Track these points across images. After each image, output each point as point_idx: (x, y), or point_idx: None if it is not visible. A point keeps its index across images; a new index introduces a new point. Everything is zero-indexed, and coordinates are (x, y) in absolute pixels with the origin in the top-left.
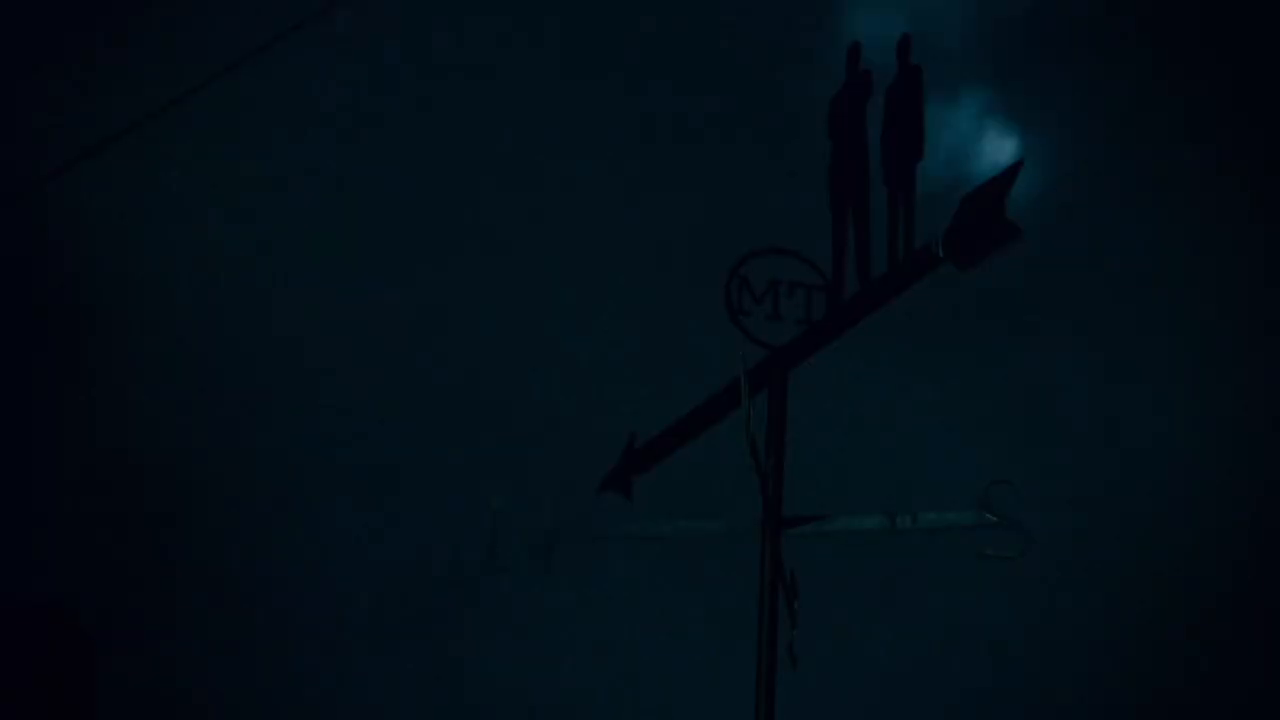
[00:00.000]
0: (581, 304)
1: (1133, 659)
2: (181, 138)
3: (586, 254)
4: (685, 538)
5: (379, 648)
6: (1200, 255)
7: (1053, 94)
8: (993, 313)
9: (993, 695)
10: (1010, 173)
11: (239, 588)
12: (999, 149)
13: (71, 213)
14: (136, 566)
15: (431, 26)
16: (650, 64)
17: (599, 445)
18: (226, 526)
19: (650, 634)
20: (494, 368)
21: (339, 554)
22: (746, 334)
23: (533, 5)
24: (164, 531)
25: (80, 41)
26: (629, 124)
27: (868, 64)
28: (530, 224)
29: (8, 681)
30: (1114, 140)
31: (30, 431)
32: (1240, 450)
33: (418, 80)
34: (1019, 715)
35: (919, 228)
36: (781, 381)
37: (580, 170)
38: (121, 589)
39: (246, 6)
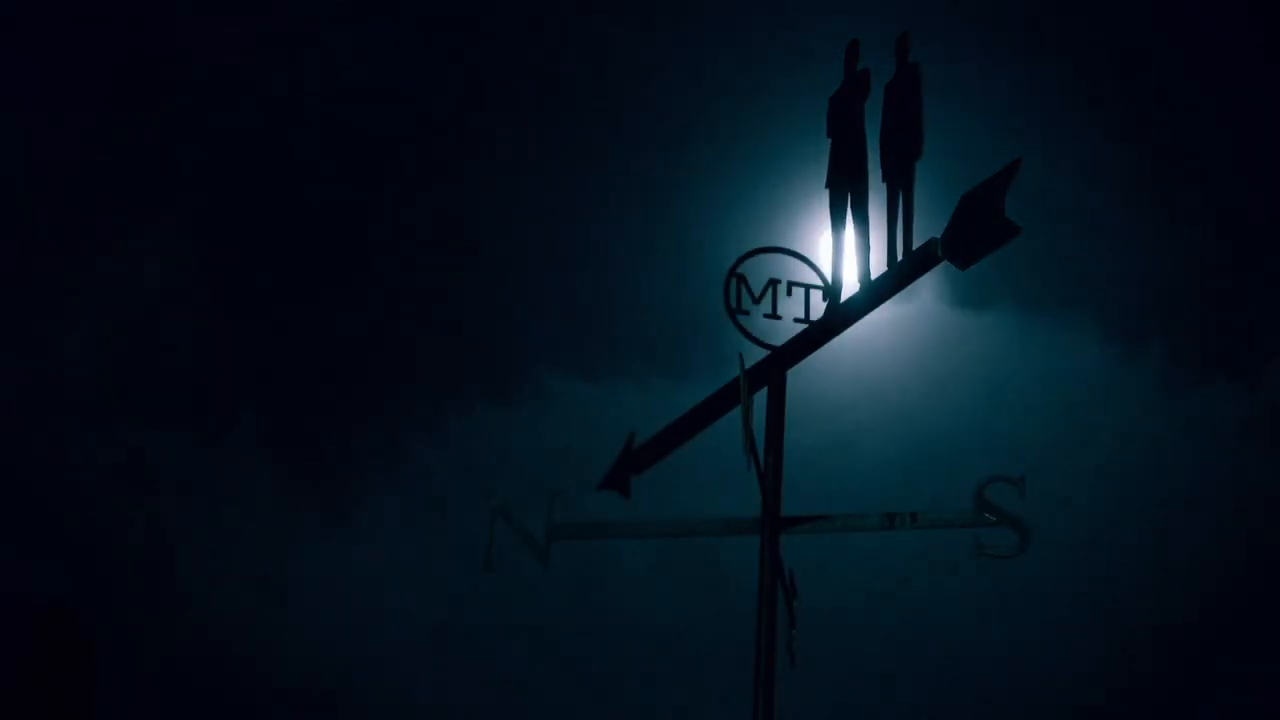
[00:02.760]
0: (581, 302)
1: (1132, 656)
2: None
3: (586, 253)
4: (685, 537)
5: (378, 646)
6: None
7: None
8: None
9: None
10: (1009, 171)
11: (236, 587)
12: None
13: None
14: (136, 566)
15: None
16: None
17: (598, 444)
18: (225, 526)
19: (650, 633)
20: (493, 366)
21: (339, 553)
22: (745, 333)
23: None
24: (164, 533)
25: None
26: (631, 121)
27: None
28: (531, 224)
29: (8, 681)
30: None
31: (30, 431)
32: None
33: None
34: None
35: (918, 226)
36: (781, 381)
37: (581, 168)
38: (121, 589)
39: None
